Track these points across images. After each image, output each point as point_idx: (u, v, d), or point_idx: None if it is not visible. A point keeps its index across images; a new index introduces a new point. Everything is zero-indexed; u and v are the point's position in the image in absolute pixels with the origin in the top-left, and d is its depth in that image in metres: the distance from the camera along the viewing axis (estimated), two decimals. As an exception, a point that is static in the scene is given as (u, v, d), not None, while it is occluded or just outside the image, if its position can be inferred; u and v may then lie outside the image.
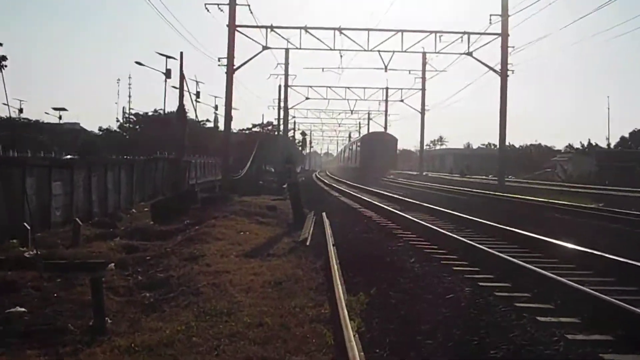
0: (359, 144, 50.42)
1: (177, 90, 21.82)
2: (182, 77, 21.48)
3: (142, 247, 8.68)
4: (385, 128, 57.52)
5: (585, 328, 3.45)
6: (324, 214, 11.31)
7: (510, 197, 15.51)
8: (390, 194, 17.61)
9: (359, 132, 69.81)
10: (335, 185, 25.73)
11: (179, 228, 10.98)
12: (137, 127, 40.81)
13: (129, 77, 61.83)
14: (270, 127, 59.00)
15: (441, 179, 32.32)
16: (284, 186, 22.36)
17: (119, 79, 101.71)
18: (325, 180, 31.92)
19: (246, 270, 6.22)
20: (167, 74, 25.09)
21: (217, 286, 5.47)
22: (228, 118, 21.46)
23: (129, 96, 64.32)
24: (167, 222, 11.92)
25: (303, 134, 60.91)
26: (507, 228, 7.80)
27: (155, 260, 7.36)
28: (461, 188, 20.66)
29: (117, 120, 53.48)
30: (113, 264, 6.94)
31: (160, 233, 10.34)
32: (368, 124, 64.31)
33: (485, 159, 60.39)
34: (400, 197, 15.49)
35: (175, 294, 5.44)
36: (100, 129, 40.82)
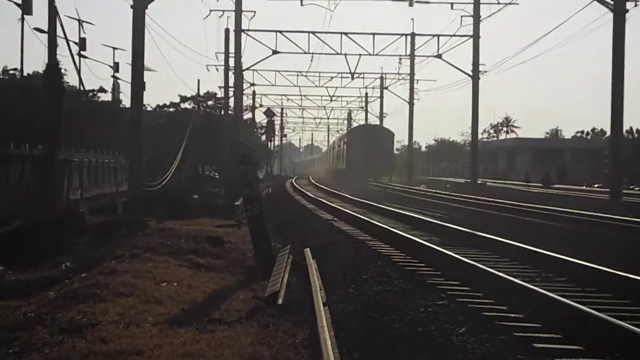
0: (345, 140, 56.43)
1: (47, 37, 20.62)
2: (53, 11, 19.36)
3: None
4: (381, 121, 64.34)
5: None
6: (307, 250, 11.50)
7: None
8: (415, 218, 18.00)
9: (348, 125, 77.52)
10: (325, 200, 26.22)
11: (51, 277, 10.95)
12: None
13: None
14: (211, 103, 60.13)
15: (515, 196, 32.22)
16: (238, 204, 23.96)
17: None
18: (309, 193, 32.38)
19: (171, 349, 6.06)
20: (26, 5, 22.67)
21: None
22: (138, 84, 21.01)
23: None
24: (29, 266, 11.79)
25: (269, 113, 61.88)
26: None
27: (6, 336, 6.99)
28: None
29: None
30: None
31: (16, 286, 10.22)
32: (366, 112, 72.41)
33: (580, 154, 63.74)
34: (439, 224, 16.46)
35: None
36: None
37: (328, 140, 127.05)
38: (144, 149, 25.79)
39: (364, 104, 75.24)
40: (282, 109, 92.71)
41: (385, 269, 9.94)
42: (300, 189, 37.85)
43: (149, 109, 53.28)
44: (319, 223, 17.88)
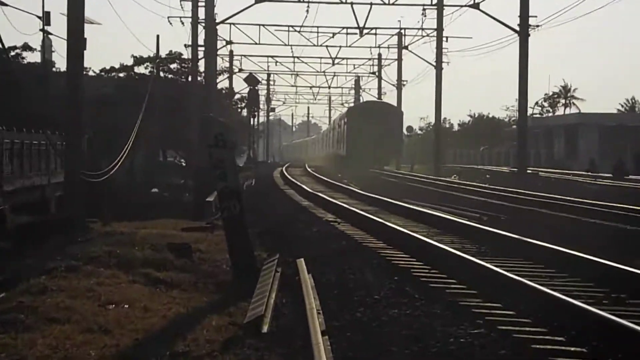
0: (345, 119, 60.67)
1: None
2: None
3: None
4: (399, 89, 67.13)
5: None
6: (300, 261, 11.51)
7: None
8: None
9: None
10: (326, 195, 26.23)
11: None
12: None
13: None
14: (175, 67, 60.11)
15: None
16: (210, 200, 23.99)
17: None
18: (304, 186, 32.43)
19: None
20: None
21: None
22: (76, 40, 20.93)
23: None
24: None
25: (251, 80, 61.86)
26: None
27: None
28: None
29: None
30: None
31: None
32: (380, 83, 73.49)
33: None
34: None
35: None
36: None
37: (329, 116, 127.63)
38: (86, 126, 25.73)
39: (376, 68, 75.71)
40: (268, 75, 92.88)
41: (402, 285, 9.94)
42: (294, 180, 37.89)
43: (91, 74, 53.30)
44: (316, 226, 17.90)
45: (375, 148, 54.38)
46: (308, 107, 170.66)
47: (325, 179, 40.11)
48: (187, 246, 13.81)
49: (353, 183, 38.39)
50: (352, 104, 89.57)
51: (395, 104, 67.46)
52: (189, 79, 50.72)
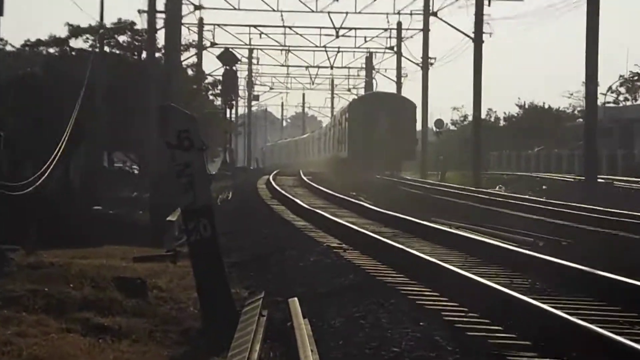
0: (346, 114, 64.92)
1: None
2: None
3: None
4: (425, 67, 68.88)
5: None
6: (293, 301, 11.57)
7: None
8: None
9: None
10: (325, 211, 26.19)
11: None
12: None
13: None
14: (125, 40, 59.72)
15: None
16: (172, 220, 24.11)
17: None
18: (300, 200, 32.41)
19: None
20: None
21: None
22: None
23: None
24: None
25: (228, 58, 61.55)
26: None
27: None
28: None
29: None
30: None
31: None
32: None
33: None
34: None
35: None
36: None
37: (332, 106, 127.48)
38: (3, 121, 25.64)
39: (394, 41, 75.70)
40: (250, 52, 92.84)
41: (430, 333, 9.92)
42: (284, 192, 37.87)
43: (9, 48, 53.31)
44: (315, 253, 17.88)
45: (383, 149, 57.67)
46: (303, 95, 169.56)
47: (327, 190, 40.09)
48: (141, 282, 13.82)
49: (363, 196, 38.32)
50: (362, 90, 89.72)
51: (420, 88, 67.73)
52: (144, 56, 50.82)
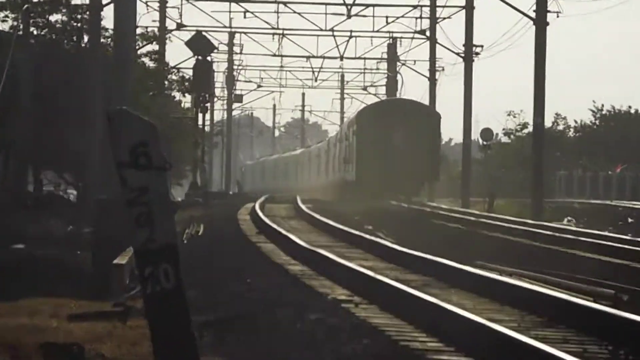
0: (354, 127, 70.14)
1: None
2: None
3: None
4: (468, 58, 70.75)
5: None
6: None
7: None
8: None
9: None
10: (335, 254, 26.22)
11: None
12: None
13: None
14: (60, 20, 60.05)
15: None
16: (122, 262, 23.76)
17: None
18: (296, 237, 32.44)
19: None
20: None
21: None
22: None
23: None
24: None
25: (200, 44, 61.76)
26: None
27: None
28: None
29: None
30: None
31: None
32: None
33: None
34: None
35: None
36: None
37: (341, 110, 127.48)
38: None
39: (425, 23, 75.97)
40: (232, 37, 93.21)
41: None
42: (274, 226, 37.90)
43: None
44: (316, 310, 17.83)
45: (399, 169, 62.20)
46: (303, 95, 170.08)
47: (333, 223, 40.12)
48: (79, 349, 13.78)
49: (383, 232, 38.26)
50: (382, 89, 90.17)
51: (460, 86, 68.11)
52: (85, 41, 50.93)
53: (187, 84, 69.96)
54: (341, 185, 69.79)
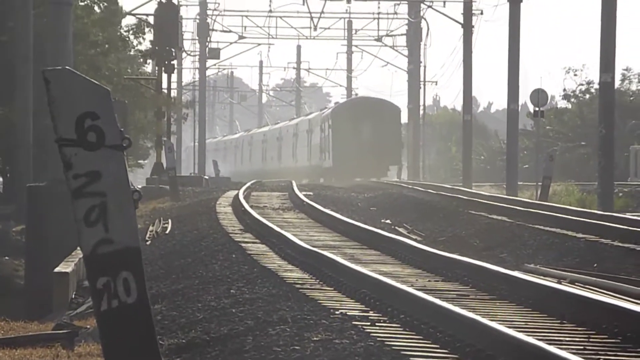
0: (330, 121, 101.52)
1: None
2: None
3: None
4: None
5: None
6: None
7: None
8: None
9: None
10: (344, 257, 26.28)
11: None
12: None
13: None
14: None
15: None
16: (66, 271, 23.54)
17: None
18: (293, 234, 32.53)
19: None
20: None
21: None
22: None
23: None
24: None
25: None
26: None
27: None
28: None
29: None
30: None
31: None
32: None
33: None
34: None
35: None
36: None
37: (348, 68, 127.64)
38: None
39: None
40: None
41: None
42: (264, 220, 38.01)
43: None
44: (321, 329, 17.93)
45: (369, 156, 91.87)
46: (299, 48, 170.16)
47: (340, 217, 40.22)
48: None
49: (406, 227, 38.31)
50: (401, 39, 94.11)
51: (505, 34, 68.56)
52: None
53: (145, 35, 70.16)
54: (319, 172, 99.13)
